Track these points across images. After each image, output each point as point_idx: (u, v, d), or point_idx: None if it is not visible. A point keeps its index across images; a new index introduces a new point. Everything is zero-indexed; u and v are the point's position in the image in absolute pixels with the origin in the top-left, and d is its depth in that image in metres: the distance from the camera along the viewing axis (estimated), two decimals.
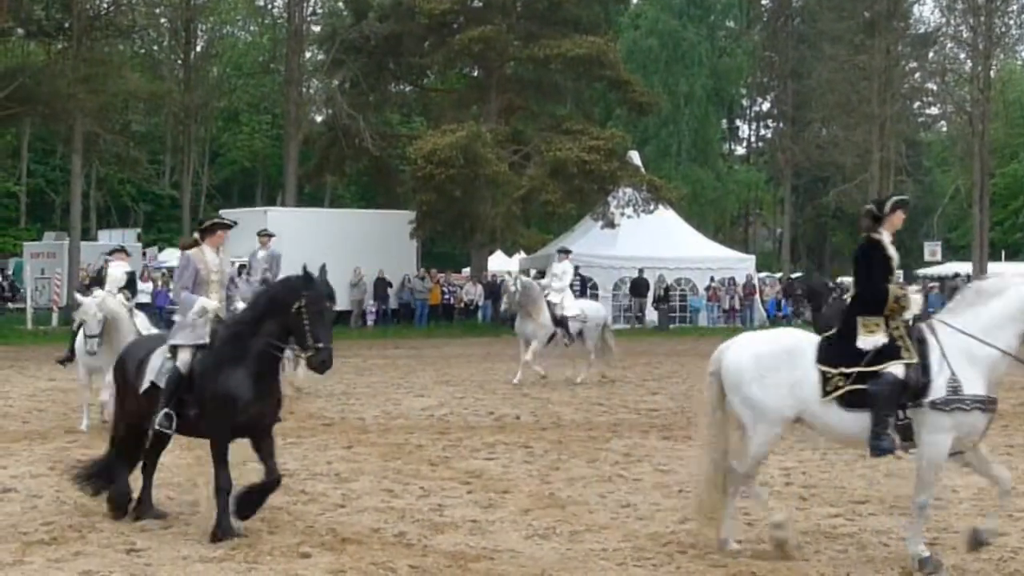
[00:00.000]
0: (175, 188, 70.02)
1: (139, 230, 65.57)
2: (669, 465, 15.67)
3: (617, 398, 23.85)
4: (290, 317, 11.29)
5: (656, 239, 50.46)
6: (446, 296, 52.43)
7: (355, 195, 76.33)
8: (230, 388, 11.34)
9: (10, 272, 58.40)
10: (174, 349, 11.84)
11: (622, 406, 22.58)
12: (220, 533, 11.15)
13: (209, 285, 12.09)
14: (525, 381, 26.09)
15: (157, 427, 11.68)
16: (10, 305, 52.31)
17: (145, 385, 11.90)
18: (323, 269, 11.63)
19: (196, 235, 12.57)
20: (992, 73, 62.75)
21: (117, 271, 20.05)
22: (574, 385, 26.04)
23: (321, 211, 58.58)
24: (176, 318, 12.15)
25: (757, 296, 54.07)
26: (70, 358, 20.03)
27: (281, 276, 20.68)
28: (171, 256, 63.37)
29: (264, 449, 11.87)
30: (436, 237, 59.14)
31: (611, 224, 49.59)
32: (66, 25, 52.70)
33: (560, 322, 26.54)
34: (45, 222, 68.89)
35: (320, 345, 11.19)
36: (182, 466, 15.43)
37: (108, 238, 58.57)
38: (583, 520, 12.19)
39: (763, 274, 61.61)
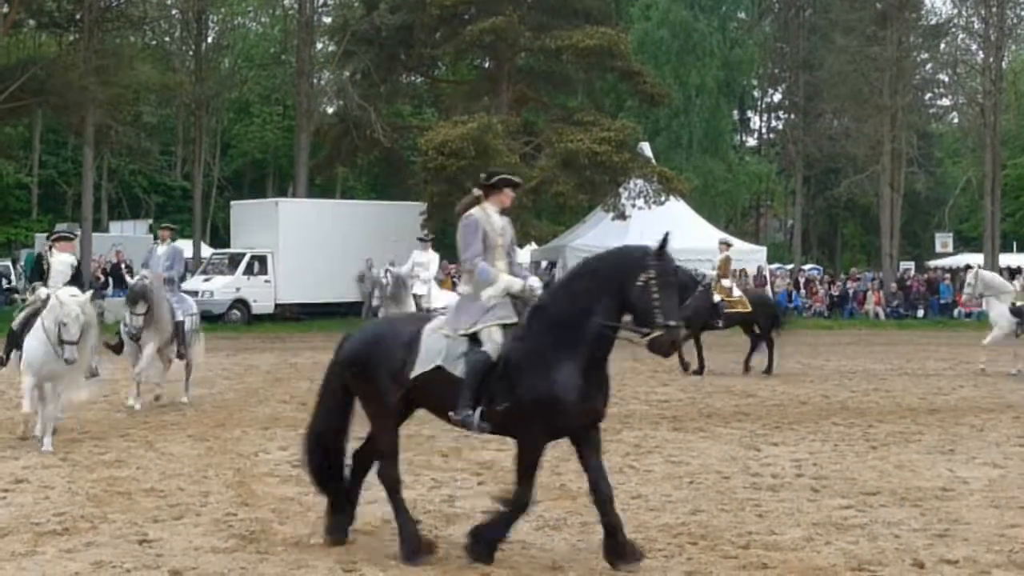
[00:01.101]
0: (186, 179, 70.10)
1: (150, 221, 65.57)
2: (680, 456, 15.68)
3: (628, 389, 23.85)
4: (634, 292, 10.00)
5: (667, 231, 50.36)
6: (457, 288, 52.46)
7: (366, 186, 76.37)
8: (557, 386, 9.94)
9: (21, 263, 58.48)
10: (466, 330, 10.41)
11: (633, 397, 22.59)
12: (477, 551, 10.21)
13: (495, 251, 10.81)
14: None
15: (461, 421, 10.32)
16: (16, 296, 52.32)
17: (424, 369, 10.43)
18: (666, 238, 10.63)
19: (478, 191, 11.08)
20: (1004, 64, 62.65)
21: (62, 262, 17.72)
22: None
23: (332, 202, 58.62)
24: (462, 289, 10.97)
25: (768, 287, 54.00)
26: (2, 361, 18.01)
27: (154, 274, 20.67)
28: (183, 247, 63.46)
29: (588, 450, 10.49)
30: (447, 229, 59.05)
31: (622, 216, 49.55)
32: (78, 17, 52.75)
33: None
34: (57, 213, 68.95)
35: (671, 323, 9.89)
36: (192, 456, 15.49)
37: (120, 229, 58.78)
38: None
39: (774, 266, 61.49)
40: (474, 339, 10.33)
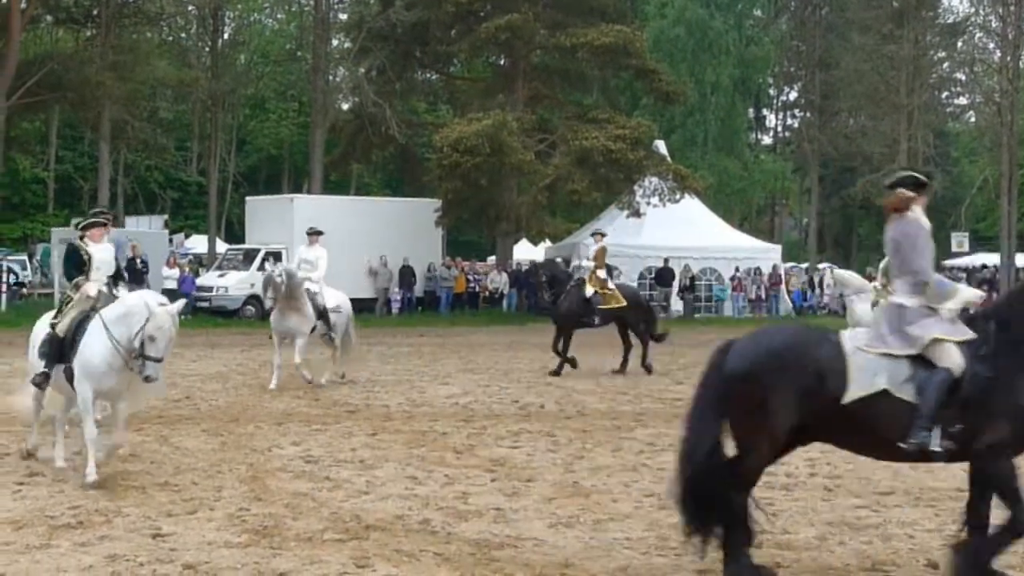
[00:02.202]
0: (202, 175, 70.18)
1: (166, 216, 65.76)
2: None
3: (642, 387, 23.85)
4: None
5: (682, 228, 50.43)
6: (471, 284, 52.48)
7: (381, 183, 76.44)
8: None
9: (38, 258, 58.63)
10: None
11: (647, 395, 22.58)
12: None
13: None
14: (285, 385, 22.76)
15: (917, 445, 9.11)
16: (28, 291, 52.47)
17: (865, 392, 9.23)
18: None
19: (908, 192, 9.85)
20: (1021, 63, 62.43)
21: (104, 250, 15.07)
22: (318, 387, 22.72)
23: (347, 199, 58.58)
24: (902, 300, 9.80)
25: (783, 286, 53.98)
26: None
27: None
28: (198, 243, 63.71)
29: None
30: (461, 225, 59.16)
31: (637, 213, 49.55)
32: (95, 12, 52.93)
33: (322, 314, 23.41)
34: (73, 208, 69.07)
35: None
36: (206, 451, 15.51)
37: (135, 224, 58.80)
38: (607, 509, 12.20)
39: (789, 264, 61.47)
40: (918, 358, 9.39)
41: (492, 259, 60.55)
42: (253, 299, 45.24)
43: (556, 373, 25.92)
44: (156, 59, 56.59)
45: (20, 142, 59.99)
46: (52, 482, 13.20)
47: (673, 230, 50.00)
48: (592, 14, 51.23)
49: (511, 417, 19.29)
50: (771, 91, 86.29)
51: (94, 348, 13.40)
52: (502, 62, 56.26)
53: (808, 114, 79.29)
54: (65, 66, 50.58)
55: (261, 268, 45.90)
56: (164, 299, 13.79)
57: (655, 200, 49.38)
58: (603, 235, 29.47)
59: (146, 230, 54.92)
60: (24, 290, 50.32)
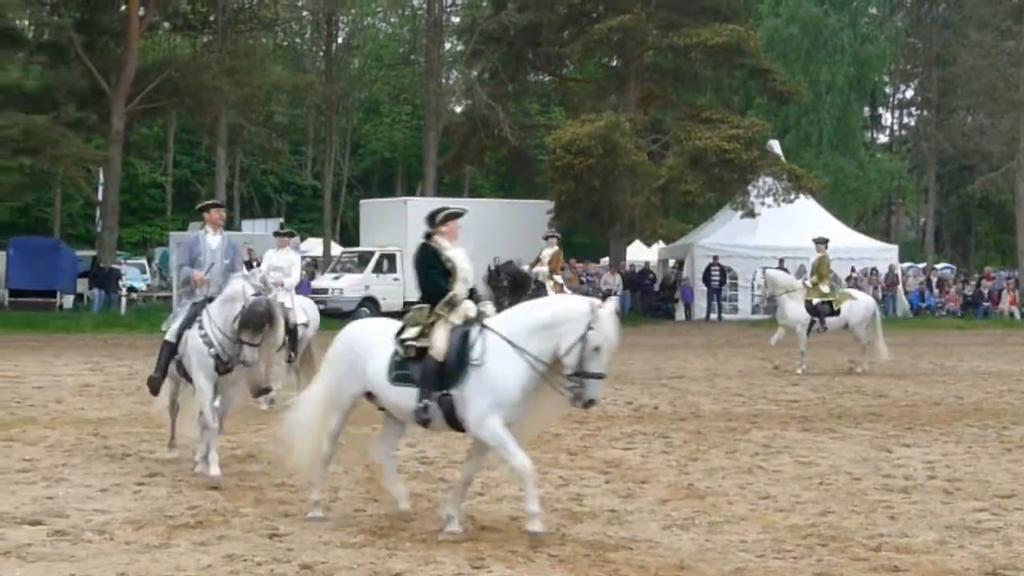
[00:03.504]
0: (316, 178, 70.83)
1: (281, 220, 66.35)
2: (809, 457, 15.53)
3: (757, 389, 23.70)
4: None
5: (796, 229, 49.95)
6: (584, 286, 52.41)
7: (494, 185, 76.64)
8: None
9: (156, 261, 59.45)
10: None
11: (761, 397, 22.44)
12: None
13: None
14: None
15: None
16: (147, 294, 53.20)
17: None
18: None
19: None
20: None
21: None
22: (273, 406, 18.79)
23: (460, 201, 58.81)
24: None
25: (900, 286, 53.37)
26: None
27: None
28: (313, 245, 64.23)
29: None
30: (574, 227, 59.13)
31: (751, 214, 49.27)
32: (211, 19, 53.61)
33: (291, 332, 19.40)
34: (190, 212, 69.93)
35: None
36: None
37: (251, 227, 59.45)
38: (722, 511, 12.13)
39: (906, 264, 60.77)
40: None
41: (605, 260, 60.45)
42: (368, 301, 45.61)
43: None
44: (271, 64, 57.24)
45: (139, 147, 60.89)
46: (171, 482, 13.37)
47: (788, 230, 49.59)
48: (705, 14, 50.97)
49: (625, 419, 19.25)
50: (887, 89, 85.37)
51: (505, 371, 10.88)
52: (614, 63, 56.13)
53: (925, 112, 78.52)
54: (182, 72, 51.23)
55: (376, 270, 46.33)
56: (597, 300, 11.40)
57: (769, 200, 49.08)
58: (557, 238, 28.27)
59: (262, 233, 55.49)
60: (135, 295, 50.98)
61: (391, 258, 47.04)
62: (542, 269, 26.34)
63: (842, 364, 28.82)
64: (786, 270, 49.85)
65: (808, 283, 28.41)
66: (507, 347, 10.86)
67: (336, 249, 57.26)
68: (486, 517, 11.59)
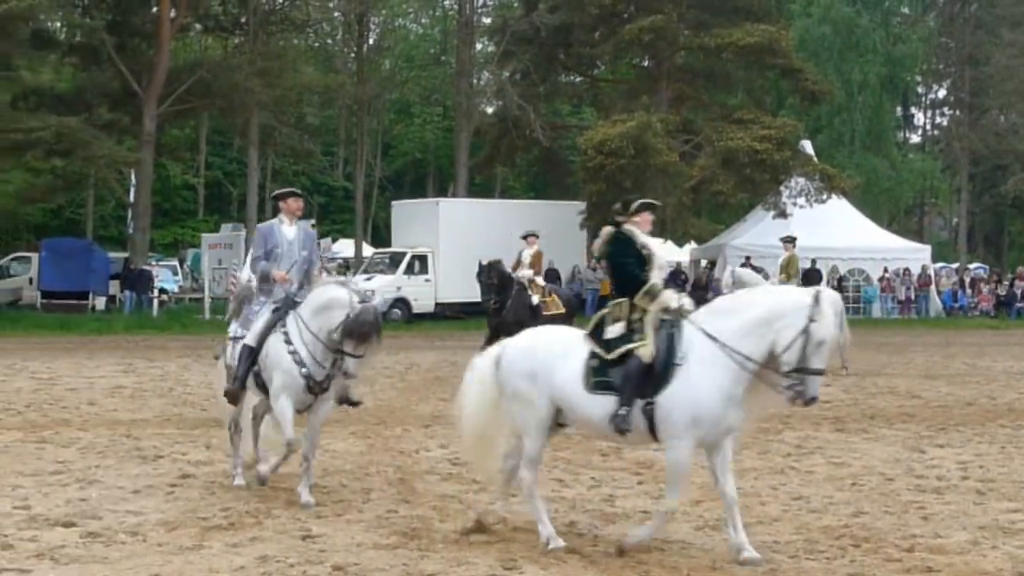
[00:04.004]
0: (348, 179, 70.98)
1: (313, 221, 66.49)
2: (842, 458, 15.49)
3: None
4: None
5: (829, 229, 49.92)
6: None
7: (525, 186, 76.63)
8: None
9: (188, 262, 59.65)
10: None
11: None
12: None
13: None
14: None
15: None
16: (179, 295, 53.39)
17: None
18: None
19: None
20: None
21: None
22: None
23: (492, 202, 58.88)
24: None
25: (933, 287, 53.19)
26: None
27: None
28: (345, 246, 64.35)
29: None
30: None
31: (783, 214, 49.15)
32: (243, 20, 53.80)
33: None
34: (222, 213, 70.25)
35: None
36: (354, 453, 15.65)
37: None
38: (755, 512, 12.10)
39: (939, 265, 60.56)
40: None
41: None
42: (399, 302, 45.69)
43: None
44: (303, 65, 57.38)
45: (170, 149, 61.16)
46: (204, 484, 13.40)
47: (820, 231, 49.50)
48: (736, 14, 50.87)
49: None
50: (919, 89, 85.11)
51: (708, 379, 10.09)
52: (646, 63, 56.12)
53: (957, 112, 78.25)
54: (214, 73, 51.41)
55: (408, 272, 46.39)
56: (817, 289, 10.41)
57: (802, 200, 48.97)
58: (536, 236, 26.64)
59: None
60: (167, 296, 51.14)
61: (423, 259, 47.12)
62: (525, 272, 25.39)
63: (876, 365, 28.70)
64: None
65: (776, 282, 27.82)
66: (713, 348, 10.08)
67: (368, 250, 57.41)
68: (518, 518, 11.58)
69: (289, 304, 12.81)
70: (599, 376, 10.23)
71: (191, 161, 72.08)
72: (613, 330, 10.37)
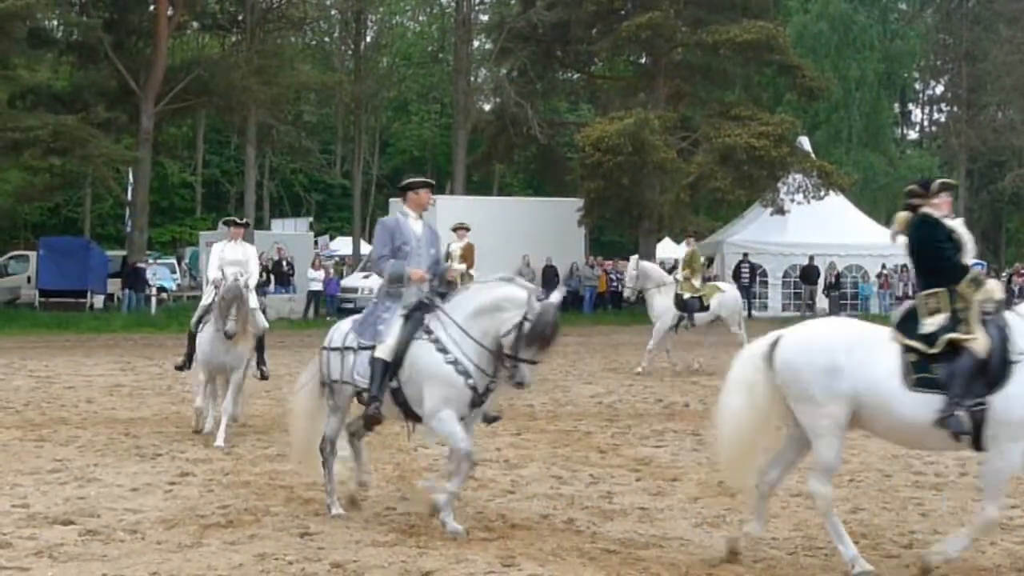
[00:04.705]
0: (346, 177, 70.91)
1: (311, 219, 66.54)
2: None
3: None
4: None
5: (827, 225, 49.95)
6: (613, 283, 52.33)
7: (523, 183, 76.62)
8: None
9: (186, 261, 59.62)
10: None
11: None
12: None
13: None
14: None
15: None
16: (177, 294, 53.38)
17: None
18: None
19: None
20: None
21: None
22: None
23: (490, 199, 58.85)
24: None
25: None
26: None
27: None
28: (342, 244, 64.36)
29: None
30: (604, 224, 59.12)
31: (781, 211, 49.17)
32: (240, 18, 53.72)
33: (260, 342, 17.96)
34: (220, 212, 70.15)
35: None
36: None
37: (281, 227, 59.65)
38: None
39: None
40: None
41: (634, 258, 60.40)
42: None
43: None
44: (300, 63, 57.30)
45: (168, 147, 61.08)
46: (203, 482, 13.41)
47: (818, 227, 49.55)
48: (734, 10, 50.86)
49: (655, 416, 19.24)
50: (917, 85, 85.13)
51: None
52: (643, 60, 56.10)
53: (955, 108, 78.21)
54: (211, 71, 51.36)
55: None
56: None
57: (799, 197, 48.96)
58: (467, 229, 24.87)
59: (291, 232, 55.66)
60: (165, 295, 51.12)
61: None
62: (456, 267, 23.58)
63: None
64: (816, 267, 49.89)
65: (679, 277, 27.46)
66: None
67: (365, 248, 57.35)
68: (516, 515, 11.59)
69: (425, 308, 11.40)
70: (920, 372, 9.30)
71: (189, 159, 72.07)
72: (932, 322, 9.40)
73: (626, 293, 27.57)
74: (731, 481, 10.77)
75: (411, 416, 11.36)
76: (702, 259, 29.61)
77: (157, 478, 13.57)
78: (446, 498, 10.95)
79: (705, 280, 28.31)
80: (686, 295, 26.54)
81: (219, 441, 15.87)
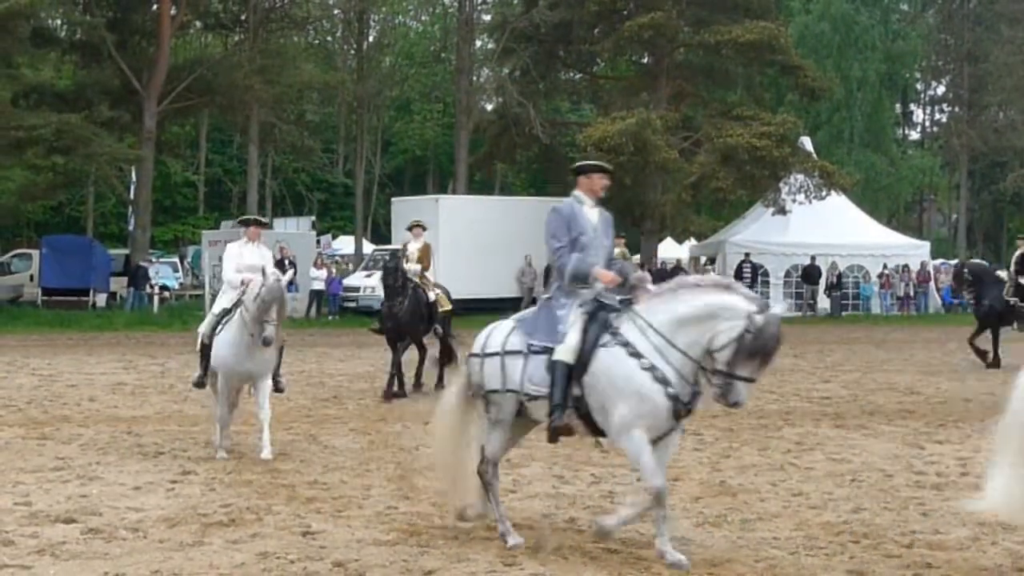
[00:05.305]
0: (348, 176, 71.00)
1: (313, 218, 66.55)
2: (841, 454, 15.50)
3: (789, 386, 23.62)
4: None
5: (828, 225, 49.95)
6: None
7: (525, 182, 76.65)
8: None
9: (188, 259, 59.66)
10: None
11: (794, 394, 22.38)
12: None
13: None
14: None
15: None
16: (179, 292, 53.43)
17: None
18: None
19: None
20: None
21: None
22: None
23: (491, 199, 58.87)
24: None
25: (932, 283, 53.19)
26: None
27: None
28: (345, 243, 64.38)
29: None
30: None
31: (782, 211, 49.17)
32: (243, 18, 53.77)
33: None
34: (222, 210, 70.31)
35: None
36: (355, 450, 15.66)
37: (283, 226, 59.66)
38: (754, 508, 12.12)
39: (938, 261, 60.55)
40: None
41: (636, 258, 60.44)
42: None
43: (399, 395, 21.72)
44: (303, 62, 57.31)
45: (171, 146, 61.14)
46: (205, 480, 13.41)
47: (819, 227, 49.55)
48: (736, 10, 50.87)
49: None
50: (918, 86, 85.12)
51: None
52: (645, 60, 56.11)
53: (957, 108, 78.26)
54: (214, 71, 51.40)
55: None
56: None
57: (801, 197, 48.97)
58: (423, 228, 23.43)
59: (294, 231, 55.67)
60: (168, 293, 51.16)
61: None
62: (413, 267, 22.33)
63: (876, 361, 28.70)
64: (818, 267, 49.90)
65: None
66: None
67: (368, 247, 57.37)
68: (518, 515, 11.59)
69: (609, 308, 10.24)
70: None
71: (191, 158, 72.17)
72: None
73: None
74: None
75: (594, 429, 10.20)
76: (634, 258, 28.90)
77: (159, 476, 13.59)
78: (615, 521, 10.12)
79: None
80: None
81: (265, 452, 14.75)
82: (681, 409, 9.77)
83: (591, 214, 10.71)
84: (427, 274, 22.45)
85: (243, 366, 14.87)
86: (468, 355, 10.91)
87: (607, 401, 9.79)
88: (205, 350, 15.40)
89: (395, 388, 21.58)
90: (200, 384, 15.81)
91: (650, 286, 10.24)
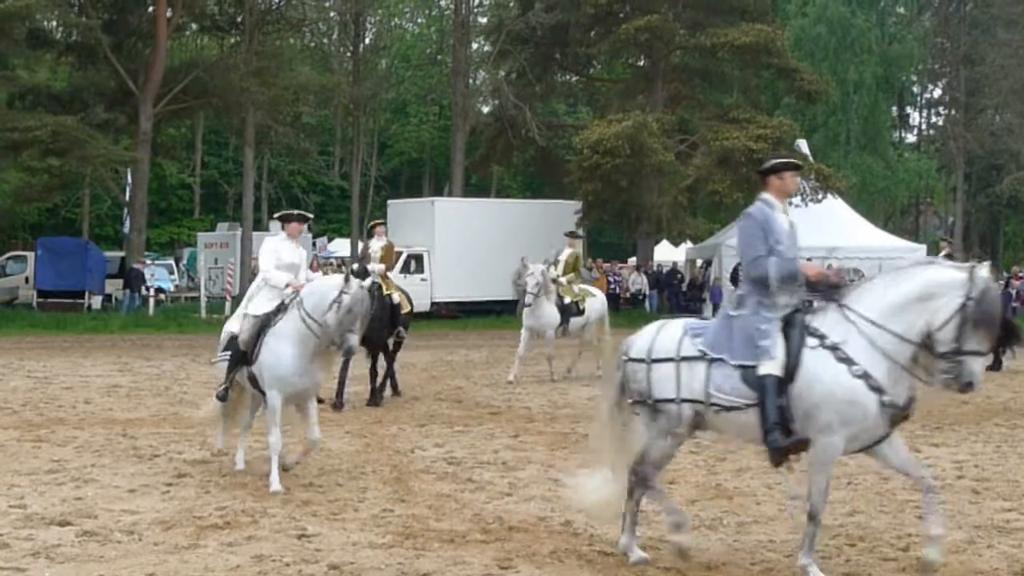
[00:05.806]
0: (344, 179, 70.96)
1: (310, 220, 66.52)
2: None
3: None
4: None
5: (824, 228, 49.85)
6: (612, 286, 52.34)
7: (521, 185, 76.69)
8: None
9: (184, 262, 59.65)
10: None
11: None
12: None
13: None
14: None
15: None
16: (175, 295, 53.43)
17: None
18: None
19: None
20: None
21: None
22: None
23: (488, 201, 58.88)
24: None
25: None
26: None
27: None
28: (340, 246, 64.36)
29: None
30: (602, 227, 59.13)
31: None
32: (239, 20, 53.73)
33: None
34: (218, 213, 70.33)
35: None
36: (350, 452, 15.65)
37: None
38: (750, 511, 12.12)
39: None
40: None
41: (632, 260, 60.42)
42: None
43: (396, 394, 21.85)
44: (299, 65, 57.34)
45: (166, 148, 61.09)
46: (200, 483, 13.40)
47: (816, 230, 49.38)
48: (732, 13, 50.90)
49: None
50: (915, 89, 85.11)
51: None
52: (642, 63, 56.10)
53: (953, 111, 78.21)
54: (210, 73, 51.36)
55: (404, 271, 46.45)
56: None
57: (797, 200, 48.87)
58: (384, 226, 23.23)
59: None
60: (163, 295, 51.12)
61: (418, 258, 47.10)
62: (376, 267, 21.63)
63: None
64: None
65: (563, 280, 26.44)
66: None
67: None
68: (514, 518, 11.58)
69: (805, 310, 9.69)
70: None
71: (187, 160, 72.12)
72: None
73: (528, 299, 25.36)
74: None
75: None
76: (583, 262, 28.78)
77: (154, 479, 13.57)
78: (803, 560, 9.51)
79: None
80: (567, 299, 25.72)
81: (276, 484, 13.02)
82: (897, 414, 9.33)
83: (784, 220, 10.08)
84: (390, 276, 22.04)
85: (304, 382, 13.39)
86: (625, 359, 10.12)
87: (811, 406, 9.29)
88: (237, 362, 13.88)
89: (344, 397, 20.60)
90: (224, 398, 14.20)
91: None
